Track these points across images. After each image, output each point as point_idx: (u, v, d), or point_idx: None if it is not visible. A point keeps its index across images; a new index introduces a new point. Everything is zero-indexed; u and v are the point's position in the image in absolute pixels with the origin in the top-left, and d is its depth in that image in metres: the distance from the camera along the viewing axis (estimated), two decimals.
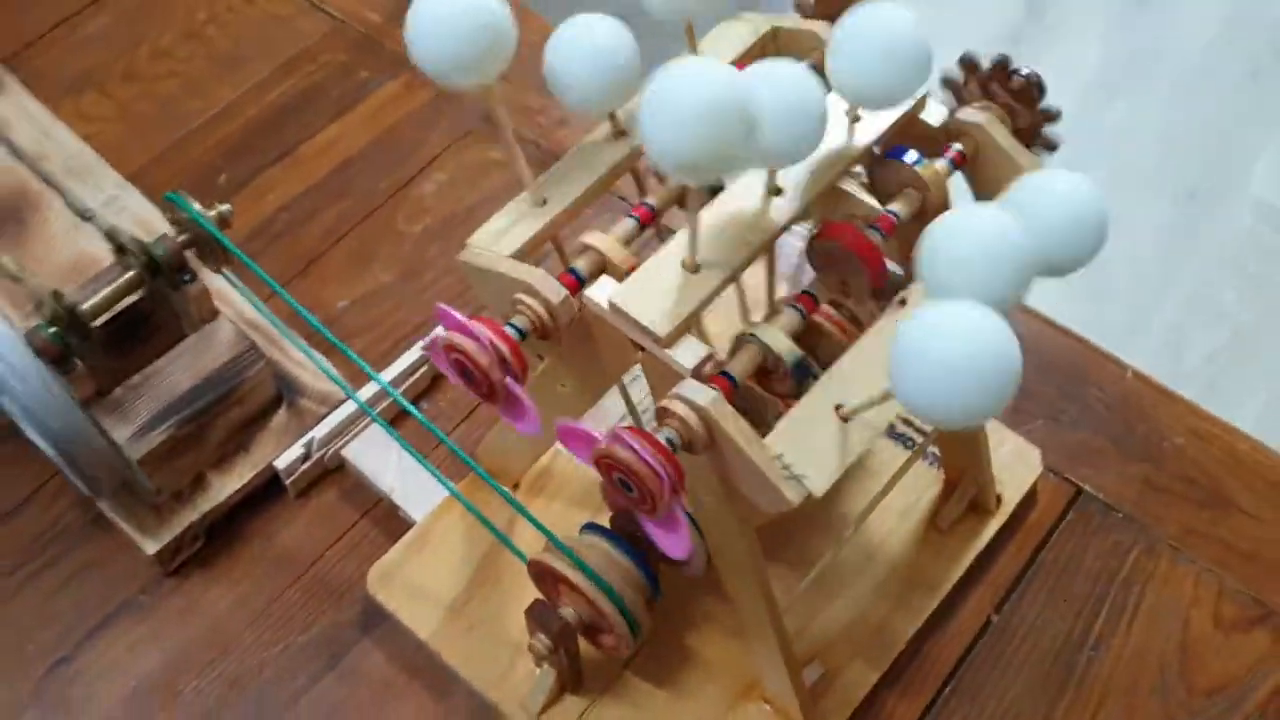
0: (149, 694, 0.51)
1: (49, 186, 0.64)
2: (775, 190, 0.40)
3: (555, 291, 0.38)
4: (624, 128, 0.42)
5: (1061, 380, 0.58)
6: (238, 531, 0.56)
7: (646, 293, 0.37)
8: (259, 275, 0.50)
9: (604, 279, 0.38)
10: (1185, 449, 0.56)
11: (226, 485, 0.55)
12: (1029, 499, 0.54)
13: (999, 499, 0.53)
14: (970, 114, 0.41)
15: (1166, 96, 1.38)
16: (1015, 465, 0.54)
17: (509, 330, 0.37)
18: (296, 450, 0.55)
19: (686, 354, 0.37)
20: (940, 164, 0.41)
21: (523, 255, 0.40)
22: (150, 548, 0.53)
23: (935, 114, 0.42)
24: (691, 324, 0.38)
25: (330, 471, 0.57)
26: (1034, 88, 0.41)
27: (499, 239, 0.40)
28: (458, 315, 0.37)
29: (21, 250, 0.62)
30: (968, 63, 0.42)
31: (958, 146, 0.41)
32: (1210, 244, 1.25)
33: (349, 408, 0.56)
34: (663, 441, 0.35)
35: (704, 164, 0.32)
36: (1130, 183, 1.29)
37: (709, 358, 0.37)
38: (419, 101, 0.70)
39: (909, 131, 0.42)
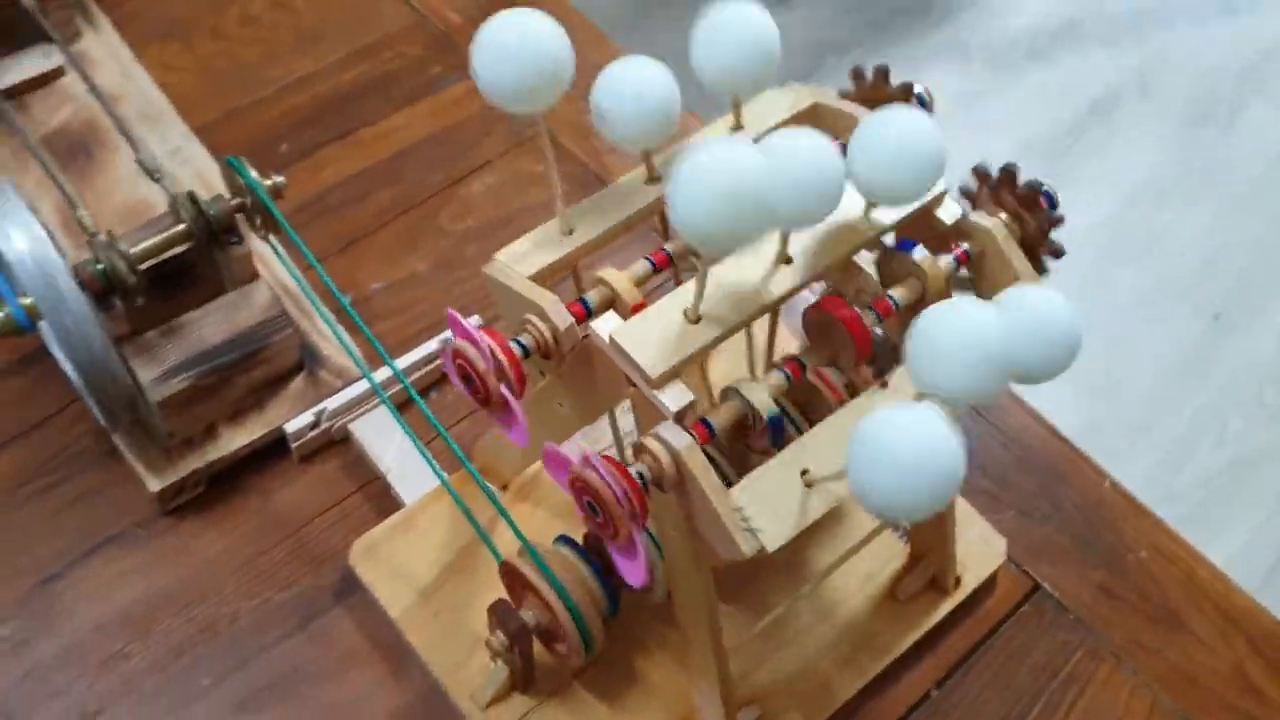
0: (125, 623, 0.54)
1: (121, 129, 0.67)
2: (785, 258, 0.42)
3: (562, 318, 0.41)
4: (658, 174, 0.45)
5: (1040, 476, 0.60)
6: (238, 484, 0.58)
7: (646, 334, 0.40)
8: (300, 248, 0.54)
9: (611, 313, 0.41)
10: (1147, 564, 0.58)
11: (236, 439, 0.58)
12: (988, 585, 0.56)
13: (959, 580, 0.55)
14: (980, 217, 0.44)
15: (1213, 213, 1.40)
16: (980, 551, 0.56)
17: (513, 345, 0.40)
18: (307, 417, 0.58)
19: (672, 397, 0.39)
20: (945, 260, 0.43)
21: (541, 279, 0.43)
22: (154, 485, 0.56)
23: (949, 212, 0.44)
24: (682, 370, 0.40)
25: (335, 443, 0.59)
26: (1040, 196, 0.44)
27: (522, 259, 0.43)
28: (465, 323, 0.40)
29: (85, 184, 0.65)
30: (980, 172, 0.45)
31: (965, 246, 0.44)
32: (1229, 367, 1.27)
33: (363, 385, 0.59)
34: (633, 474, 0.37)
35: (720, 242, 0.35)
36: (1162, 291, 1.31)
37: (692, 404, 0.39)
38: (481, 105, 0.72)
39: (923, 223, 0.44)
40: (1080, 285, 1.23)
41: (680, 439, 0.38)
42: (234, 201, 0.56)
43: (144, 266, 0.54)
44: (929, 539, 0.54)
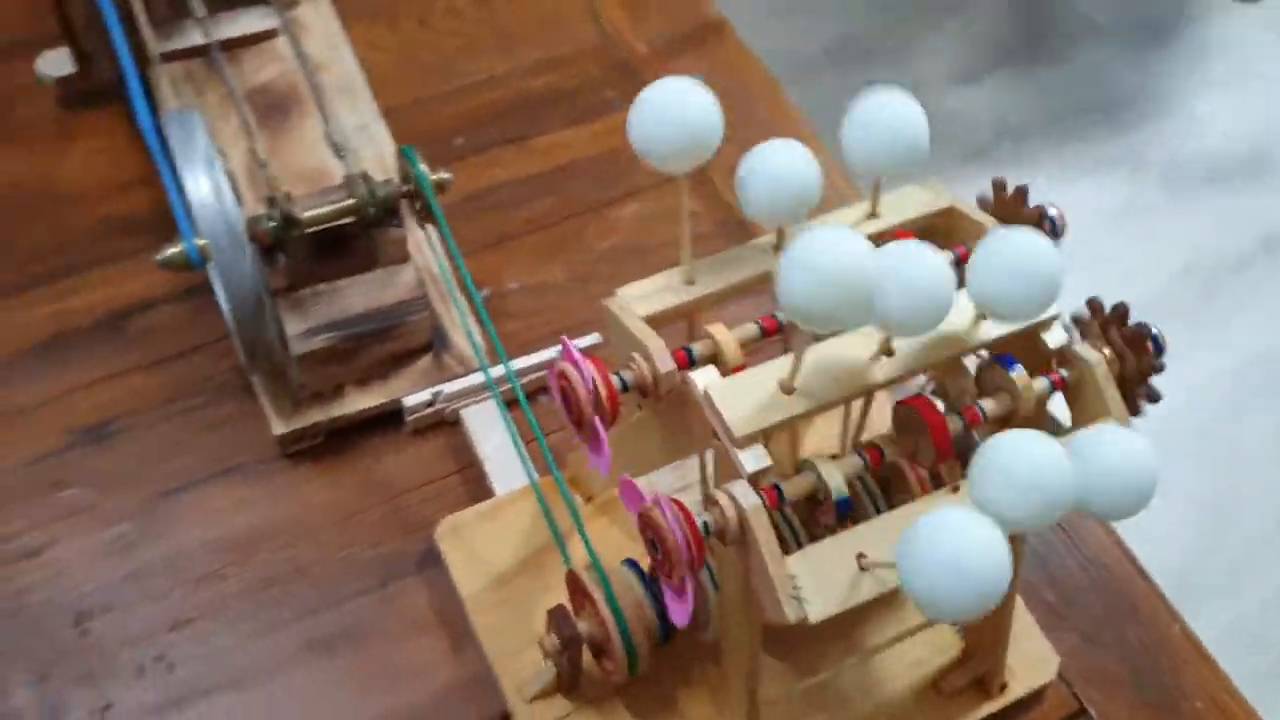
0: (228, 547, 0.59)
1: (317, 97, 0.73)
2: (888, 350, 0.44)
3: (665, 363, 0.43)
4: (782, 245, 0.48)
5: (1110, 603, 0.61)
6: (353, 443, 0.63)
7: (739, 396, 0.42)
8: (448, 243, 0.58)
9: (711, 368, 0.44)
10: (1202, 714, 0.58)
11: (359, 402, 0.62)
12: (1034, 698, 0.57)
13: (1004, 686, 0.56)
14: (1084, 349, 0.45)
15: None
16: (1032, 662, 0.57)
17: (614, 379, 0.43)
18: (425, 395, 0.63)
19: (750, 458, 0.42)
20: (1040, 383, 0.45)
21: (655, 321, 0.46)
22: (278, 429, 0.61)
23: (1055, 338, 0.46)
24: (769, 435, 0.42)
25: (446, 423, 0.64)
26: (1146, 339, 0.45)
27: (640, 300, 0.46)
28: (574, 349, 0.43)
29: (274, 142, 0.71)
30: (1094, 304, 0.46)
31: (1064, 372, 0.45)
32: None
33: (481, 376, 0.63)
34: (699, 523, 0.40)
35: (817, 322, 0.38)
36: None
37: (769, 469, 0.42)
38: None
39: (1028, 341, 0.46)
40: (1212, 419, 1.21)
41: (749, 499, 0.40)
42: (401, 189, 0.60)
43: (310, 230, 0.59)
44: (982, 639, 0.55)
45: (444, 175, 0.61)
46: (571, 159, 0.75)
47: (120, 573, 0.58)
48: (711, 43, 0.82)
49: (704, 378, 0.43)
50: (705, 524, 0.40)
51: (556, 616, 0.51)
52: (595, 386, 0.42)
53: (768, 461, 0.42)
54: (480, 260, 0.70)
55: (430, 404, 0.63)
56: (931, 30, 1.42)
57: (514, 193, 0.73)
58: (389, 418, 0.63)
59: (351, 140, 0.71)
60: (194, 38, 0.73)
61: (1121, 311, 0.45)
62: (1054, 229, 0.48)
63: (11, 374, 0.64)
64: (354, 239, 0.61)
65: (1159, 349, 0.45)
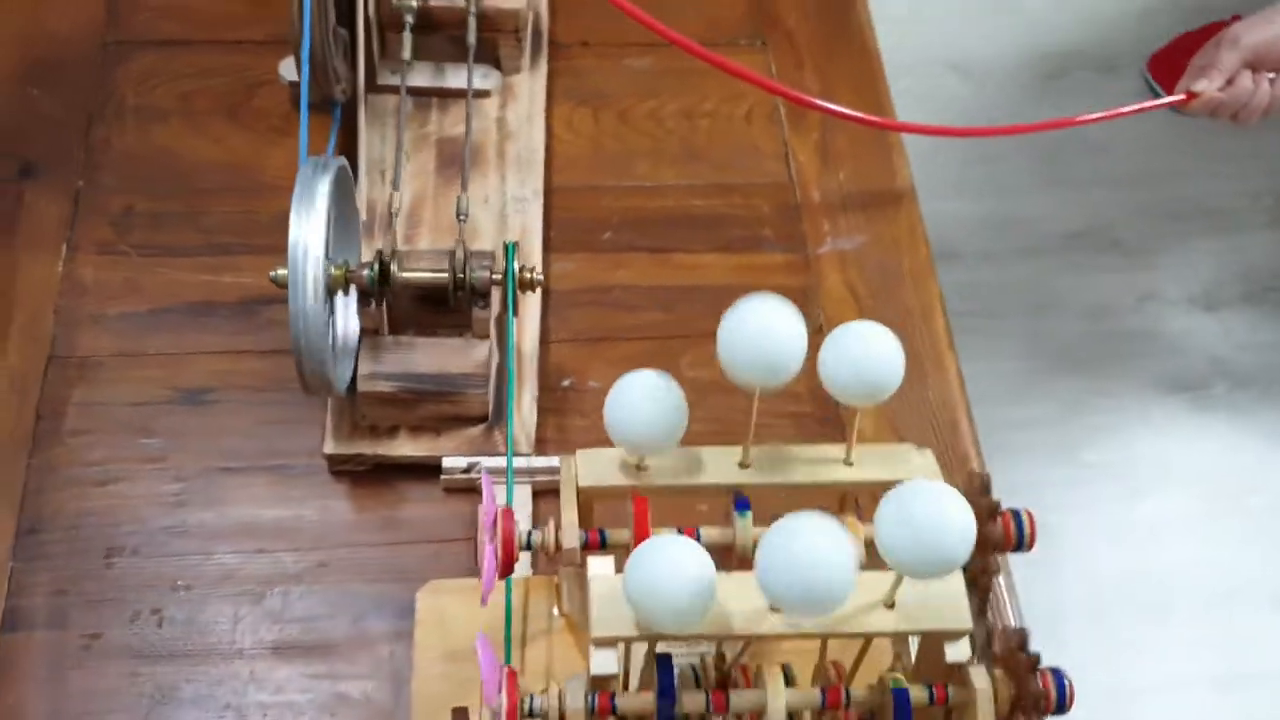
0: (255, 534, 0.66)
1: (497, 160, 0.79)
2: (775, 609, 0.45)
3: (570, 539, 0.46)
4: (748, 463, 0.49)
5: None
6: (390, 480, 0.69)
7: (618, 598, 0.44)
8: (509, 334, 0.62)
9: (611, 559, 0.46)
10: None
11: (406, 448, 0.68)
12: None
13: None
14: (979, 674, 0.44)
15: None
16: None
17: (520, 536, 0.46)
18: (463, 461, 0.67)
19: (600, 661, 0.44)
20: (919, 689, 0.44)
21: (598, 492, 0.48)
22: (329, 447, 0.68)
23: (957, 652, 0.45)
24: (628, 645, 0.44)
25: (475, 491, 0.68)
26: (1054, 683, 0.43)
27: (596, 462, 0.49)
28: (492, 496, 0.46)
29: (443, 190, 0.77)
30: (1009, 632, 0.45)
31: (950, 690, 0.44)
32: None
33: (521, 461, 0.67)
34: (523, 704, 0.42)
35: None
36: None
37: (614, 677, 0.44)
38: (779, 282, 0.78)
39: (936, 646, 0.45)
40: None
41: (576, 699, 0.43)
42: (493, 275, 0.65)
43: (403, 285, 0.65)
44: None
45: (536, 274, 0.66)
46: (700, 283, 0.78)
47: (158, 524, 0.67)
48: (888, 210, 0.82)
49: (600, 565, 0.46)
50: (531, 709, 0.43)
51: (455, 717, 0.55)
52: (499, 534, 0.46)
53: (614, 670, 0.43)
54: (576, 351, 0.74)
55: (465, 470, 0.67)
56: (1186, 241, 1.34)
57: (634, 298, 0.77)
58: (429, 469, 0.68)
59: (507, 208, 0.77)
60: (414, 78, 0.81)
61: (1024, 638, 0.44)
62: (1020, 532, 0.47)
63: (153, 323, 0.73)
64: (442, 303, 0.66)
65: (1061, 696, 0.44)
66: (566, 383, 0.73)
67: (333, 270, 0.63)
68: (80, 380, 0.71)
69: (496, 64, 0.82)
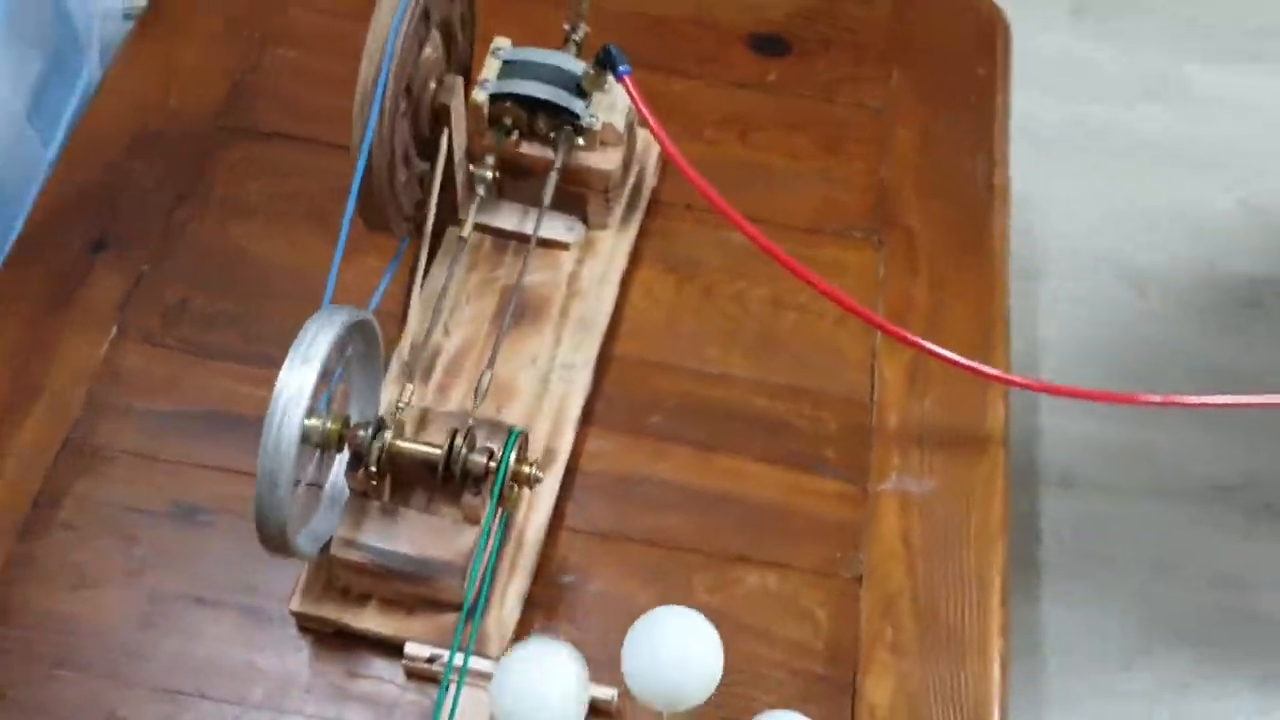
0: (207, 676, 0.63)
1: (558, 319, 0.75)
2: None
3: None
4: None
5: None
6: (356, 650, 0.64)
7: None
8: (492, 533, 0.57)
9: None
10: None
11: (374, 621, 0.64)
12: None
13: None
14: None
15: None
16: None
17: None
18: (426, 650, 0.63)
19: None
20: None
21: None
22: (296, 604, 0.64)
23: None
24: None
25: (434, 682, 0.63)
26: None
27: None
28: None
29: (485, 336, 0.73)
30: None
31: None
32: None
33: (483, 663, 0.62)
34: None
35: None
36: None
37: None
38: (823, 511, 0.71)
39: None
40: None
41: None
42: (486, 464, 0.60)
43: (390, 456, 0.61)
44: None
45: (537, 473, 0.61)
46: (740, 494, 0.71)
47: (115, 642, 0.64)
48: (970, 454, 0.73)
49: None
50: None
51: None
52: None
53: None
54: (587, 544, 0.69)
55: (428, 660, 0.63)
56: None
57: (665, 496, 0.71)
58: (395, 648, 0.64)
59: (550, 374, 0.72)
60: (496, 219, 0.77)
61: None
62: None
63: (174, 426, 0.72)
64: (428, 481, 0.62)
65: None
66: (568, 579, 0.68)
67: (328, 425, 0.60)
68: (87, 472, 0.70)
69: (584, 217, 0.78)
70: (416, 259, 0.74)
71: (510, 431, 0.61)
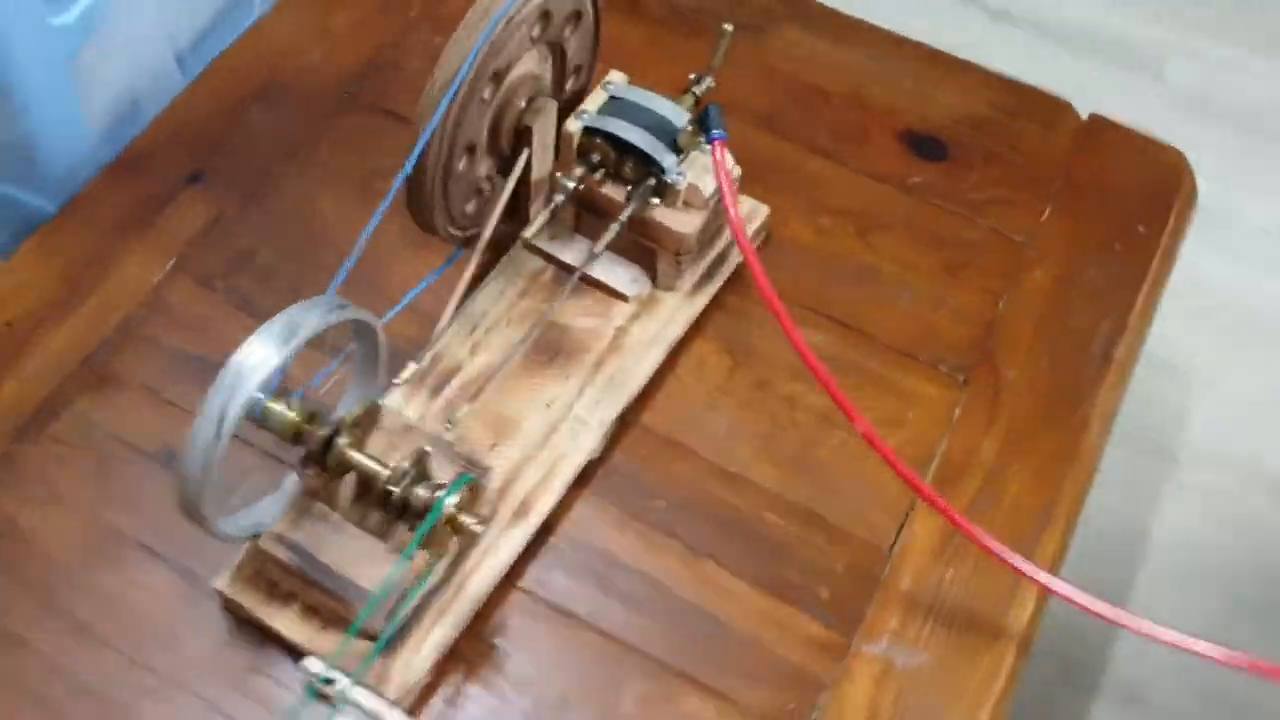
0: (123, 627, 0.62)
1: (589, 370, 0.70)
2: None
3: None
4: None
5: None
6: (266, 649, 0.62)
7: None
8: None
9: None
10: None
11: (287, 624, 0.61)
12: None
13: None
14: None
15: None
16: None
17: None
18: (324, 671, 0.59)
19: None
20: None
21: None
22: (219, 583, 0.62)
23: None
24: None
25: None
26: None
27: None
28: None
29: (518, 373, 0.69)
30: None
31: None
32: None
33: (379, 706, 0.58)
34: None
35: None
36: None
37: None
38: (793, 656, 0.64)
39: None
40: None
41: None
42: (430, 499, 0.57)
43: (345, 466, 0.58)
44: None
45: (473, 528, 0.57)
46: (714, 609, 0.65)
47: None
48: (975, 644, 0.64)
49: None
50: None
51: None
52: None
53: None
54: (535, 613, 0.65)
55: (326, 682, 0.60)
56: None
57: (635, 590, 0.65)
58: (295, 651, 0.61)
59: (560, 424, 0.68)
60: (562, 251, 0.74)
61: None
62: None
63: (186, 370, 0.71)
64: (384, 504, 0.59)
65: None
66: (498, 642, 0.63)
67: (288, 414, 0.58)
68: (94, 393, 0.70)
69: (654, 274, 0.74)
70: (474, 269, 0.71)
71: (461, 475, 0.57)
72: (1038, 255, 0.80)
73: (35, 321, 0.73)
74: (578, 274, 0.71)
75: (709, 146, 0.69)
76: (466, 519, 0.57)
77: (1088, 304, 0.77)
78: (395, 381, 0.61)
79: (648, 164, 0.69)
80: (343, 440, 0.58)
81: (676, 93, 0.72)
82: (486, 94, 0.64)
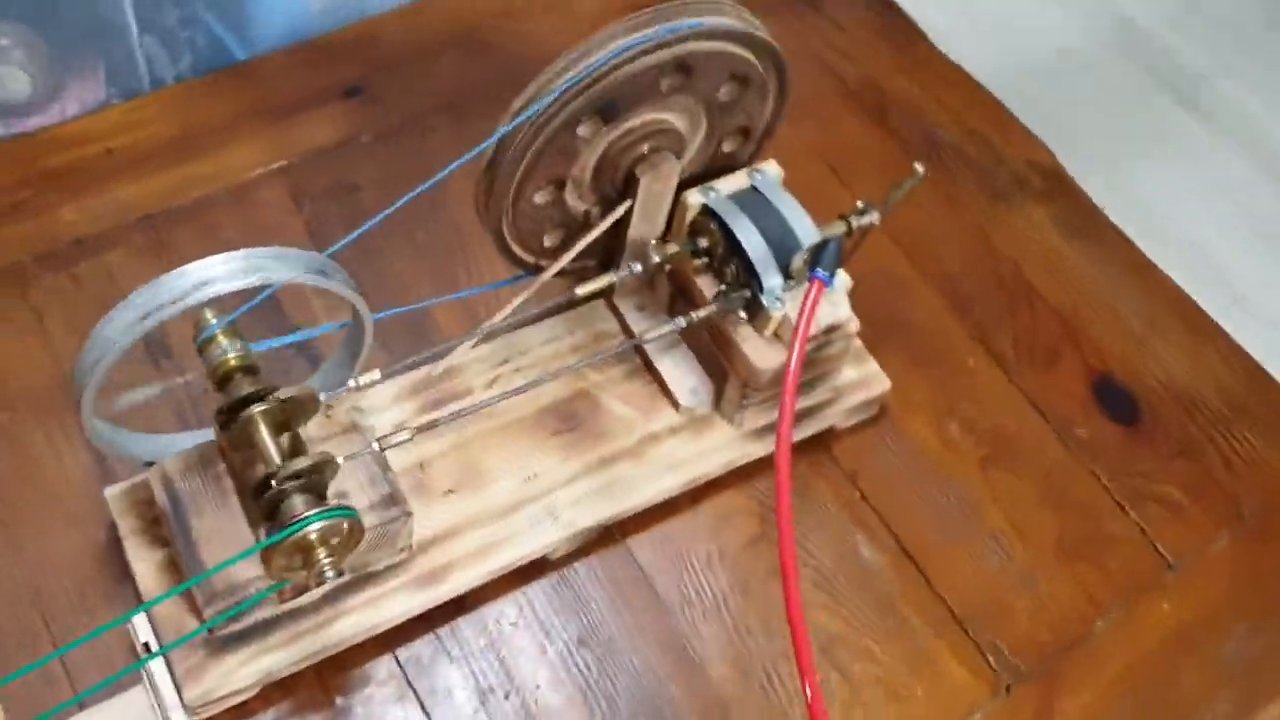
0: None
1: (595, 464, 0.61)
2: None
3: None
4: None
5: None
6: (127, 579, 0.56)
7: None
8: None
9: None
10: None
11: (144, 572, 0.55)
12: None
13: None
14: None
15: None
16: None
17: None
18: (145, 636, 0.53)
19: None
20: None
21: None
22: (107, 490, 0.57)
23: None
24: None
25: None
26: None
27: None
28: None
29: (511, 407, 0.61)
30: None
31: None
32: None
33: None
34: None
35: None
36: None
37: None
38: None
39: None
40: None
41: None
42: (300, 512, 0.49)
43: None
44: None
45: (326, 573, 0.49)
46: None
47: None
48: None
49: None
50: None
51: None
52: None
53: None
54: (395, 687, 0.56)
55: (143, 646, 0.53)
56: None
57: (515, 710, 0.56)
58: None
59: (530, 505, 0.59)
60: (636, 319, 0.65)
61: None
62: None
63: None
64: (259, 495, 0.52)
65: None
66: (340, 700, 0.55)
67: (226, 355, 0.52)
68: (129, 257, 0.67)
69: (719, 394, 0.63)
70: (530, 296, 0.63)
71: (337, 507, 0.49)
72: (1180, 588, 0.63)
73: (131, 161, 0.71)
74: (630, 342, 0.62)
75: (835, 287, 0.58)
76: (321, 559, 0.49)
77: (1206, 677, 0.61)
78: (351, 384, 0.53)
79: (750, 274, 0.59)
80: (258, 408, 0.51)
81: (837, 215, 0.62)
82: (584, 131, 0.56)
